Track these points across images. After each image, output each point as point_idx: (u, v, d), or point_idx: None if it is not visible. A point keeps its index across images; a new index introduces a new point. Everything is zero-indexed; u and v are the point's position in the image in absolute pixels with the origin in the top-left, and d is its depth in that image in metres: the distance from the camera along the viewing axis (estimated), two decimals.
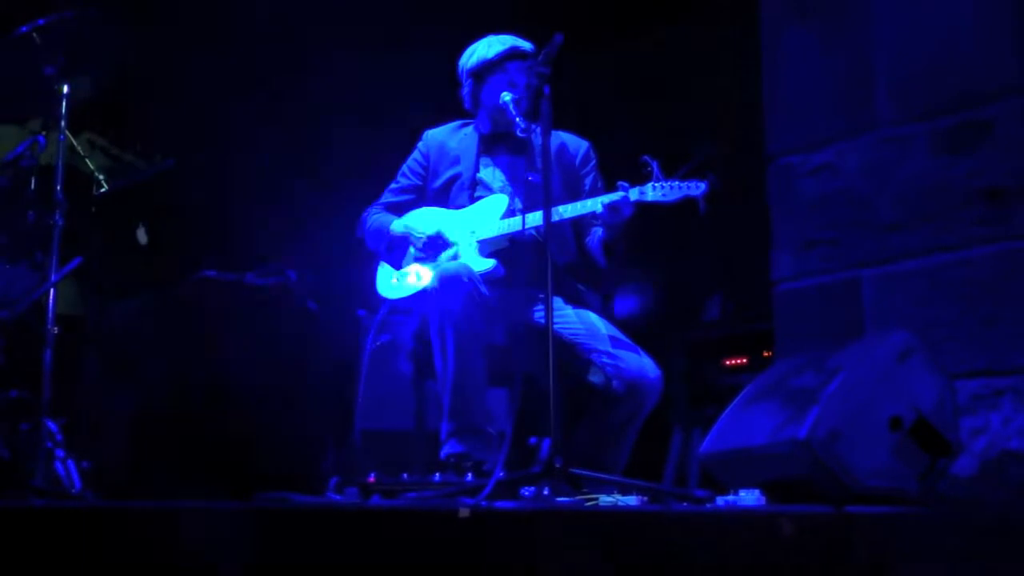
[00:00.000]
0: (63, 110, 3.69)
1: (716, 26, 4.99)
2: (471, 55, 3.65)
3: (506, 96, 3.50)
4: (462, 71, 3.68)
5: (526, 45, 3.58)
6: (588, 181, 3.63)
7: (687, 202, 3.23)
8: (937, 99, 3.21)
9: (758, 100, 3.68)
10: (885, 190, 3.31)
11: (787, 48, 3.62)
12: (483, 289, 3.32)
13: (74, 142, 3.86)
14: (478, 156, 3.66)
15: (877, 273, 3.30)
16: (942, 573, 2.18)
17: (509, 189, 3.59)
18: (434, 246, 3.51)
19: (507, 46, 3.59)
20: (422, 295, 3.42)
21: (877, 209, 3.32)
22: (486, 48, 3.62)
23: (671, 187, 3.24)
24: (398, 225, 3.62)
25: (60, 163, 3.67)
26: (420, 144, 3.78)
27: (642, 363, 3.33)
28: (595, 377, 3.32)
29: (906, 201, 3.26)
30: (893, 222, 3.28)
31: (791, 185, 3.55)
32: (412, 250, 3.58)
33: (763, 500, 2.55)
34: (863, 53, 3.40)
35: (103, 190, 3.84)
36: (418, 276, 3.51)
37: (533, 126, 3.32)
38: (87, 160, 3.88)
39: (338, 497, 2.89)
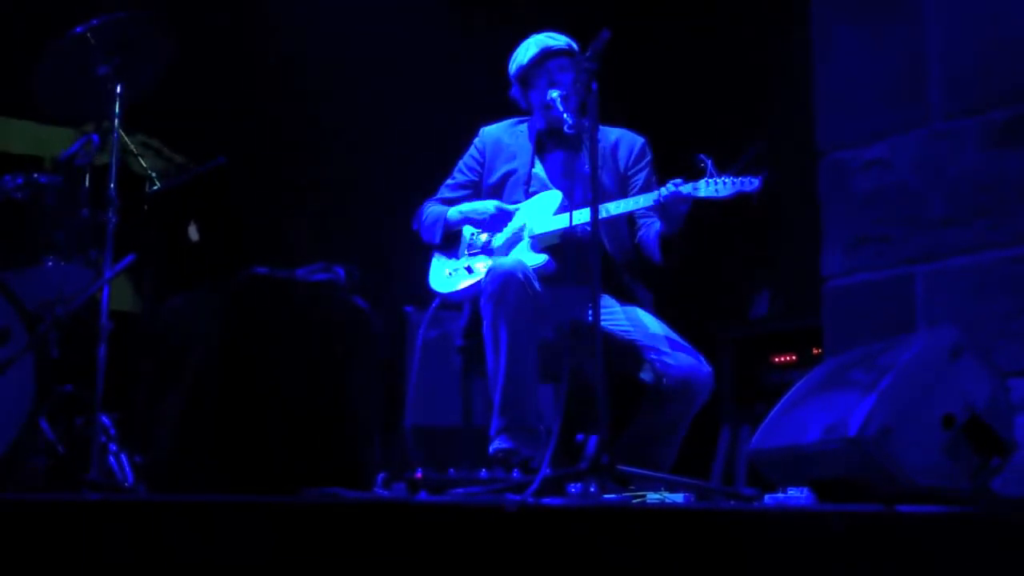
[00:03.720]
0: (116, 109, 3.74)
1: (766, 21, 4.95)
2: (513, 62, 3.69)
3: (553, 93, 3.51)
4: (511, 76, 3.71)
5: (557, 42, 3.58)
6: (641, 177, 3.61)
7: (740, 198, 3.22)
8: (990, 92, 3.17)
9: (808, 95, 3.65)
10: (937, 185, 3.27)
11: (838, 42, 3.58)
12: (536, 284, 3.32)
13: (128, 141, 3.91)
14: (533, 152, 3.67)
15: (929, 269, 3.26)
16: (994, 573, 2.15)
17: (564, 184, 3.59)
18: (497, 221, 3.54)
19: (540, 48, 3.60)
20: (475, 289, 3.44)
21: (929, 204, 3.28)
22: (523, 53, 3.65)
23: (724, 183, 3.23)
24: (455, 213, 3.64)
25: (113, 162, 3.72)
26: (476, 140, 3.80)
27: (693, 361, 3.31)
28: (645, 375, 3.31)
29: (959, 196, 3.21)
30: (946, 217, 3.24)
31: (842, 181, 3.51)
32: (468, 236, 3.59)
33: (812, 498, 2.53)
34: (915, 47, 3.36)
35: (155, 188, 3.88)
36: (472, 269, 3.52)
37: (583, 122, 3.32)
38: (140, 159, 3.93)
39: (385, 493, 2.90)
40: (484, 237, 3.59)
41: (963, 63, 3.24)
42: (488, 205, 3.59)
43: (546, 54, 3.59)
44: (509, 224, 3.55)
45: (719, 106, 5.08)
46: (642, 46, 4.51)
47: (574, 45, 3.59)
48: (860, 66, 3.52)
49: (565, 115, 3.40)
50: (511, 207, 3.57)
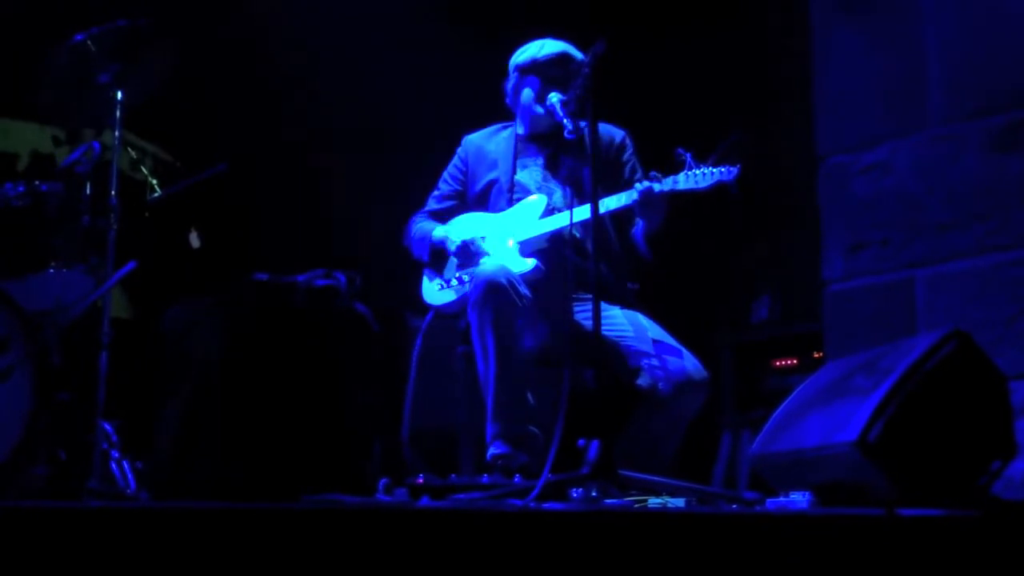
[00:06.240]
0: (117, 116, 3.75)
1: (765, 24, 4.96)
2: (523, 52, 3.68)
3: (554, 97, 3.52)
4: (512, 65, 3.70)
5: (578, 55, 3.58)
6: (626, 170, 3.62)
7: (719, 188, 3.23)
8: (991, 96, 3.17)
9: (807, 97, 3.65)
10: (938, 189, 3.27)
11: (837, 47, 3.58)
12: (523, 289, 3.32)
13: (130, 150, 3.92)
14: (515, 159, 3.67)
15: (929, 273, 3.26)
16: None
17: (547, 188, 3.59)
18: (466, 252, 3.52)
19: (558, 51, 3.61)
20: (464, 299, 3.44)
21: (930, 208, 3.28)
22: (538, 48, 3.65)
23: (703, 174, 3.25)
24: (439, 232, 3.64)
25: (114, 169, 3.72)
26: (459, 150, 3.80)
27: (689, 365, 3.31)
28: (642, 379, 3.31)
29: (959, 200, 3.21)
30: (946, 221, 3.24)
31: (842, 185, 3.51)
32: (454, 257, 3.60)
33: (814, 503, 2.53)
34: (915, 51, 3.36)
35: (156, 195, 3.89)
36: (461, 282, 3.52)
37: (580, 125, 3.33)
38: (141, 166, 3.94)
39: (387, 498, 2.91)
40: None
41: (963, 67, 3.25)
42: (465, 234, 3.56)
43: (563, 59, 3.59)
44: (480, 254, 3.54)
45: (718, 108, 5.08)
46: (640, 48, 4.51)
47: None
48: (860, 69, 3.52)
49: (564, 120, 3.41)
50: (491, 240, 3.54)
